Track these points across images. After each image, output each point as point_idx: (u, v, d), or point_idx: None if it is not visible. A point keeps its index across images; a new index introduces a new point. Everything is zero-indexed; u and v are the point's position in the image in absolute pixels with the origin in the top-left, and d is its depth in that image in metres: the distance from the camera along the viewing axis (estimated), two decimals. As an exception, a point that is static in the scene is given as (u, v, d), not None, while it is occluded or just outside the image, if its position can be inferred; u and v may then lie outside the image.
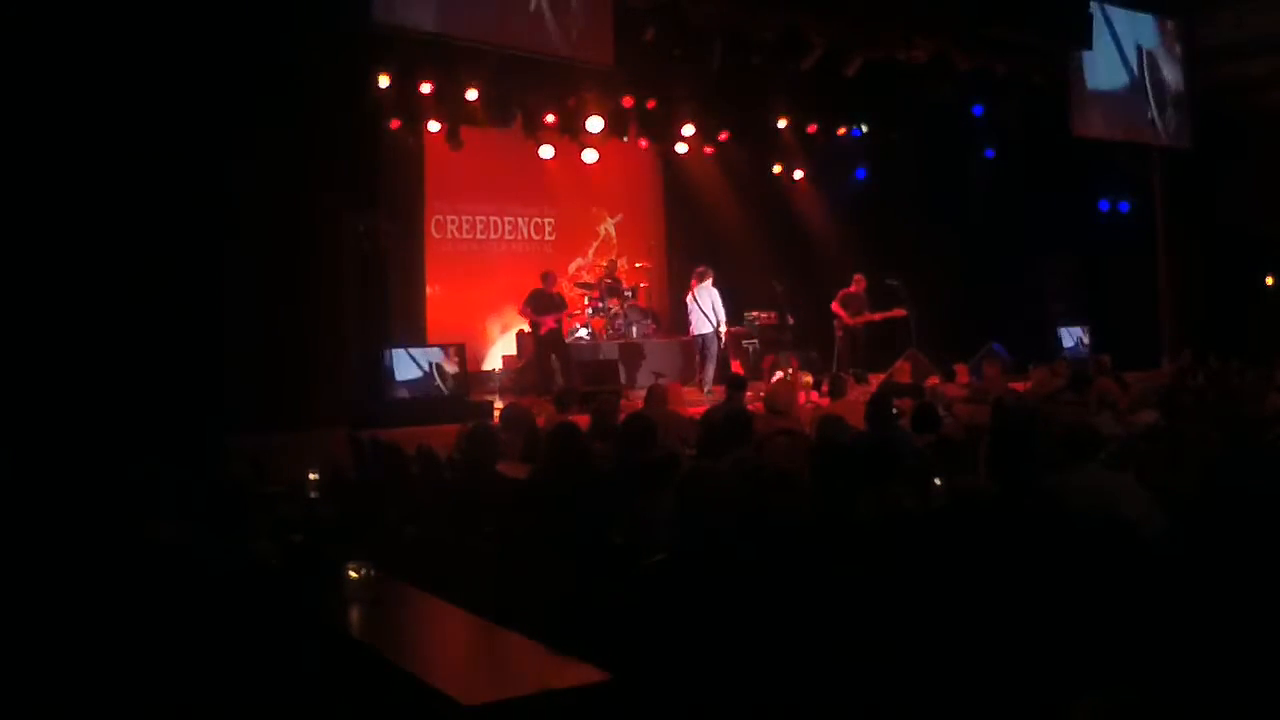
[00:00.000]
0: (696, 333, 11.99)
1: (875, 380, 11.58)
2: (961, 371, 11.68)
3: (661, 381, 9.94)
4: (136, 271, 7.82)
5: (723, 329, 11.96)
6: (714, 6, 10.75)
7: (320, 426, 8.01)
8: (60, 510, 4.65)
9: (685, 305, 12.25)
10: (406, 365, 9.47)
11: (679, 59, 11.36)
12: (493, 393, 11.56)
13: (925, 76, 12.22)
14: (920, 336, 12.95)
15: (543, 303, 11.87)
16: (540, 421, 7.27)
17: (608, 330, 13.06)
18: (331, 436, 7.64)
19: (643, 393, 8.92)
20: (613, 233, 15.08)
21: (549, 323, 11.80)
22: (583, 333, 12.99)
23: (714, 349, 11.85)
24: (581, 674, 2.77)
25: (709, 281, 12.06)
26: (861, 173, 15.23)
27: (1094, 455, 4.57)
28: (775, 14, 11.07)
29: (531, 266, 13.55)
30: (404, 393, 9.38)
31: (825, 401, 8.84)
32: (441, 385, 9.60)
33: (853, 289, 13.09)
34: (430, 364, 9.62)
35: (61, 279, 7.57)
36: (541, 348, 11.83)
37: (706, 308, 11.89)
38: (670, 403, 8.29)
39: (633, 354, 12.50)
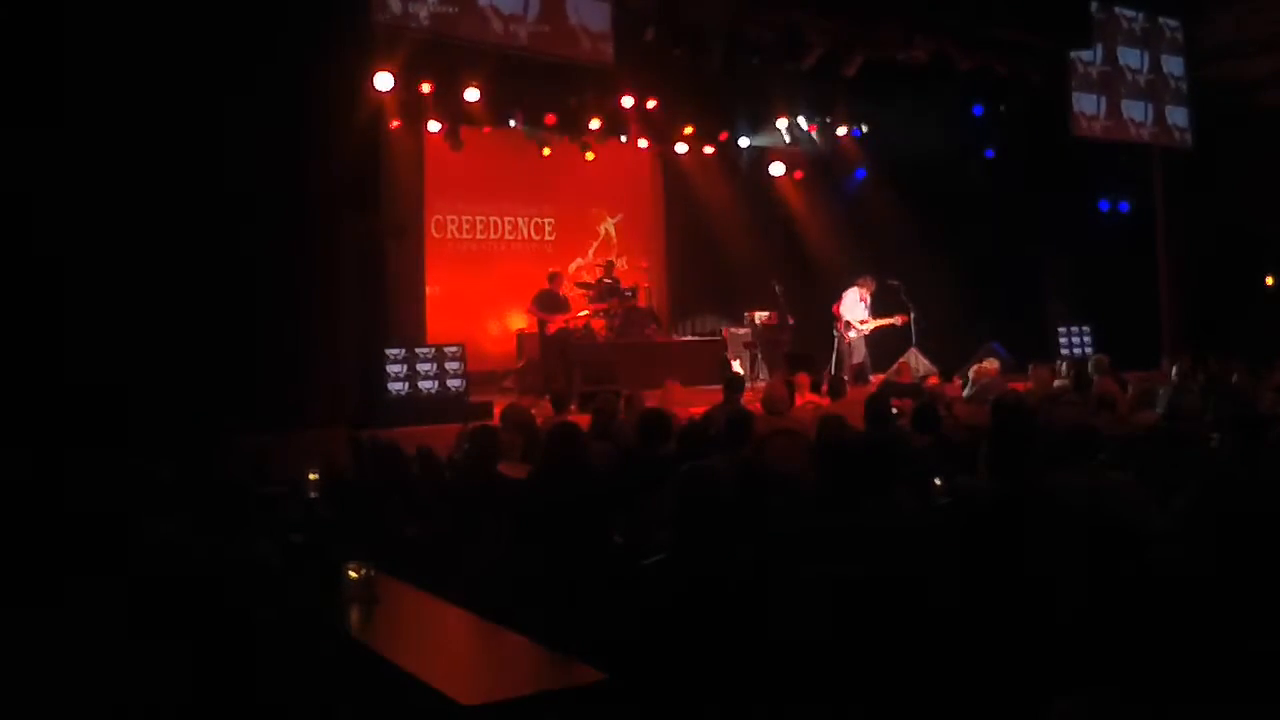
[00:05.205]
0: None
1: (876, 380, 11.59)
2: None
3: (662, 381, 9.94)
4: (135, 271, 7.81)
5: (851, 333, 12.79)
6: (714, 6, 10.76)
7: (320, 426, 8.00)
8: (59, 509, 4.64)
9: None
10: (406, 365, 9.47)
11: (679, 59, 11.36)
12: (493, 393, 11.56)
13: (925, 76, 12.22)
14: (920, 336, 12.96)
15: (550, 303, 11.91)
16: (540, 421, 7.27)
17: (607, 330, 13.06)
18: (331, 436, 7.63)
19: (642, 393, 8.92)
20: (613, 233, 15.09)
21: (557, 322, 11.86)
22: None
23: (844, 347, 12.80)
24: (581, 674, 2.77)
25: (855, 289, 12.91)
26: (861, 173, 15.22)
27: (1094, 455, 4.56)
28: (775, 14, 11.08)
29: (531, 266, 13.57)
30: (404, 392, 9.38)
31: (825, 401, 8.82)
32: (441, 385, 9.59)
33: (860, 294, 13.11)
34: (430, 364, 9.61)
35: (60, 279, 7.57)
36: (548, 347, 11.85)
37: (844, 309, 12.88)
38: (669, 403, 8.29)
39: (632, 354, 12.49)
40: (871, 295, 12.94)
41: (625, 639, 3.10)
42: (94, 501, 4.68)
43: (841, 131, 14.47)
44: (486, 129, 12.47)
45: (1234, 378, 9.20)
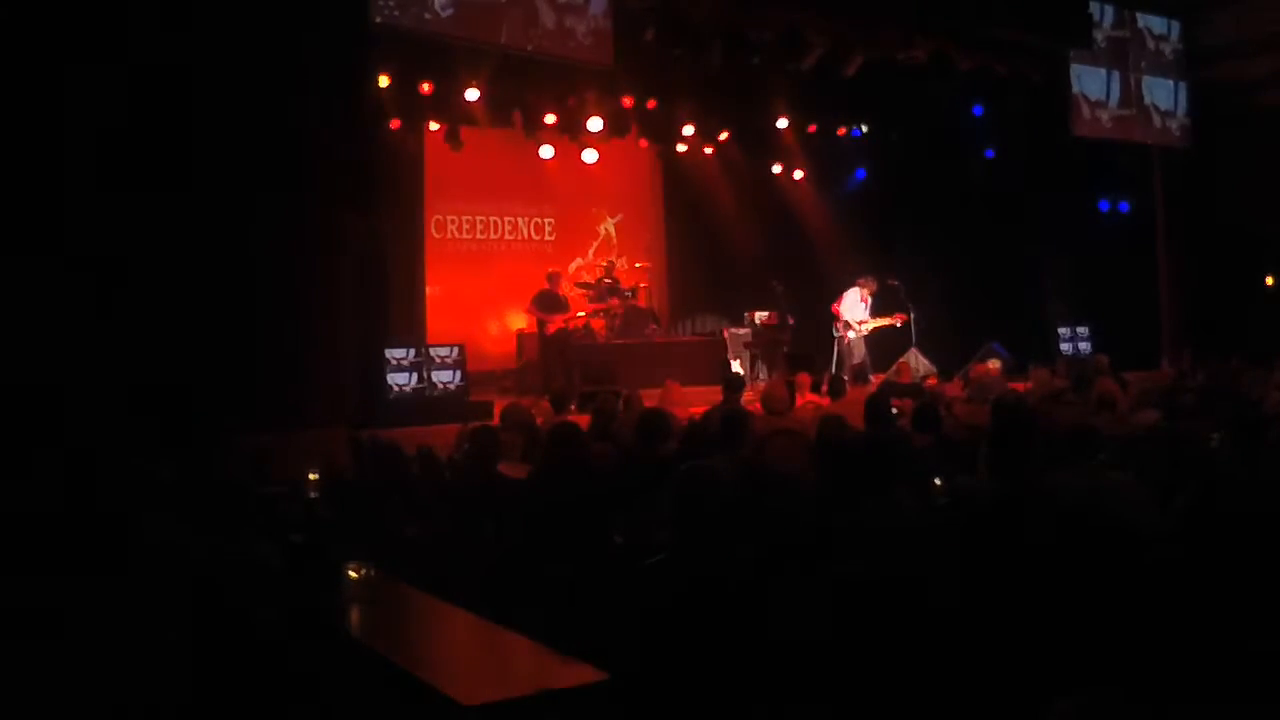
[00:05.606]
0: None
1: (876, 380, 11.59)
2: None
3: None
4: (135, 271, 7.81)
5: (850, 333, 12.84)
6: (714, 6, 10.76)
7: (320, 426, 8.00)
8: (60, 509, 4.65)
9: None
10: (406, 365, 9.47)
11: (679, 59, 11.36)
12: (493, 393, 11.56)
13: (925, 76, 12.23)
14: (920, 336, 12.97)
15: (549, 303, 11.93)
16: (540, 421, 7.28)
17: (607, 330, 13.07)
18: (331, 436, 7.63)
19: (642, 393, 8.93)
20: (613, 233, 15.09)
21: (556, 322, 11.88)
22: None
23: (845, 348, 12.84)
24: (581, 674, 2.77)
25: (855, 289, 12.94)
26: (861, 173, 15.22)
27: (1094, 455, 4.56)
28: (775, 14, 11.07)
29: (531, 266, 13.57)
30: (404, 392, 9.38)
31: (825, 401, 8.83)
32: (441, 385, 9.59)
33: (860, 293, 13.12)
34: (430, 364, 9.61)
35: (59, 279, 7.57)
36: (547, 347, 11.86)
37: (843, 309, 12.91)
38: (669, 403, 8.29)
39: (632, 354, 12.50)
40: (872, 295, 12.95)
41: (625, 639, 3.10)
42: (94, 501, 4.68)
43: (841, 131, 14.46)
44: (486, 129, 12.47)
45: (1240, 377, 9.20)
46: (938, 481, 4.69)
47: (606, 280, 13.32)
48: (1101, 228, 15.38)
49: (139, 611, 3.56)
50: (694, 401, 8.97)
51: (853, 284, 12.98)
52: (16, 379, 7.21)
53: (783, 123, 13.80)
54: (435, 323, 12.58)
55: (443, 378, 9.62)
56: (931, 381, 10.18)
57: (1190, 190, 14.74)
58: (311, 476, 5.68)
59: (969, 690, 3.10)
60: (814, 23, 11.26)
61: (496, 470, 5.43)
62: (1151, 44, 14.43)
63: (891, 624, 3.18)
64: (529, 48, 9.84)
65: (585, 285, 13.58)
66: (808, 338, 13.33)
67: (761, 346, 12.97)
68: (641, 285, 13.88)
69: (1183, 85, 14.65)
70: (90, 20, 7.71)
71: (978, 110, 14.05)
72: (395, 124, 11.68)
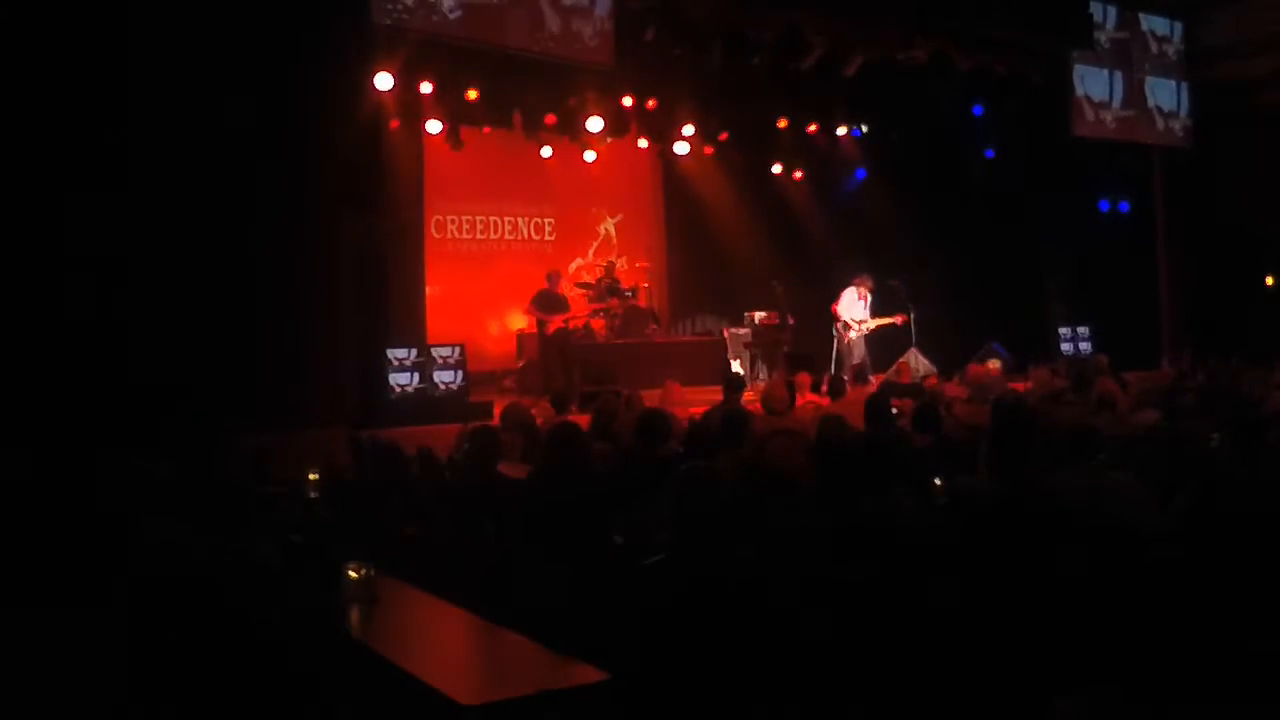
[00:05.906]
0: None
1: (876, 380, 11.60)
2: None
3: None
4: (135, 271, 7.81)
5: (851, 332, 12.90)
6: (714, 6, 10.77)
7: (320, 426, 8.00)
8: (59, 509, 4.64)
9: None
10: (408, 365, 9.47)
11: (679, 59, 11.36)
12: (493, 393, 11.56)
13: (925, 76, 12.23)
14: (920, 336, 12.97)
15: (549, 302, 11.94)
16: (540, 421, 7.27)
17: (607, 330, 13.08)
18: (331, 436, 7.63)
19: (642, 393, 8.93)
20: (613, 233, 15.09)
21: (556, 322, 11.88)
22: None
23: (845, 347, 12.90)
24: (581, 674, 2.77)
25: (852, 289, 13.00)
26: (861, 173, 15.22)
27: (1094, 455, 4.56)
28: (775, 14, 11.09)
29: (531, 266, 13.57)
30: (405, 392, 9.38)
31: (825, 401, 8.83)
32: (441, 385, 9.59)
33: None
34: (430, 364, 9.61)
35: (59, 279, 7.57)
36: (547, 347, 11.87)
37: (842, 309, 12.97)
38: (669, 403, 8.30)
39: (632, 354, 12.50)
40: (870, 294, 12.96)
41: (625, 639, 3.10)
42: (94, 501, 4.68)
43: (841, 131, 14.46)
44: (486, 129, 12.46)
45: (1240, 377, 9.21)
46: (938, 481, 4.68)
47: (606, 280, 13.32)
48: (1101, 228, 15.39)
49: (139, 611, 3.56)
50: (694, 401, 8.98)
51: (849, 283, 12.99)
52: (17, 379, 7.21)
53: (783, 123, 13.79)
54: (435, 323, 12.57)
55: (444, 378, 9.62)
56: (931, 381, 10.18)
57: (1190, 190, 14.76)
58: (311, 476, 5.67)
59: (970, 690, 3.10)
60: (814, 23, 11.27)
61: (496, 470, 5.43)
62: (1154, 45, 14.44)
63: (891, 624, 3.18)
64: (535, 50, 9.85)
65: (585, 285, 13.58)
66: (808, 338, 13.33)
67: (761, 346, 12.96)
68: (641, 285, 13.87)
69: (1185, 86, 14.66)
70: (89, 17, 7.71)
71: (978, 110, 14.02)
72: (395, 124, 11.67)
